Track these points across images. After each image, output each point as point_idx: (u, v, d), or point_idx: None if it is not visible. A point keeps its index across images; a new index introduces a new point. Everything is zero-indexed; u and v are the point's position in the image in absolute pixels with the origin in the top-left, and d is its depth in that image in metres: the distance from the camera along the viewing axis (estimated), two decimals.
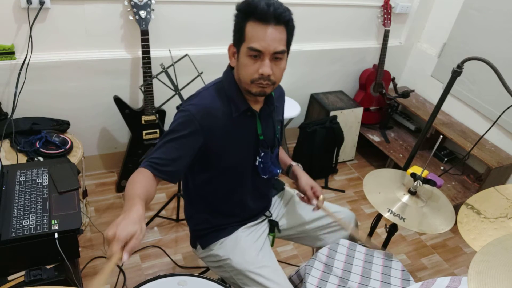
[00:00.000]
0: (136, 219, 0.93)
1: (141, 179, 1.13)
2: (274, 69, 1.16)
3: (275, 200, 1.62)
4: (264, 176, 1.39)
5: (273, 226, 1.52)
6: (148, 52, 2.07)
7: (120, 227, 0.88)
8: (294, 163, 1.56)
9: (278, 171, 1.43)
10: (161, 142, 1.22)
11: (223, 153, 1.29)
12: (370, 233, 2.01)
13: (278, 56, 1.16)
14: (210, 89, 1.28)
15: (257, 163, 1.37)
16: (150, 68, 2.11)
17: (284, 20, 1.14)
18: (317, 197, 1.46)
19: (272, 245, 1.51)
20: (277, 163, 1.45)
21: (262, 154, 1.36)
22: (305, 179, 1.49)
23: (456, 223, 1.40)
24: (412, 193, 1.54)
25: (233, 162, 1.32)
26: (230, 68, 1.29)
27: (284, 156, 1.59)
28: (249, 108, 1.28)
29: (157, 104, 2.21)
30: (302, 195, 1.50)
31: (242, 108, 1.26)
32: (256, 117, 1.31)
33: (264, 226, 1.51)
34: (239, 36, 1.17)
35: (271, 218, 1.55)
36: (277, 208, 1.60)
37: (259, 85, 1.18)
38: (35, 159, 1.80)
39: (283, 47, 1.16)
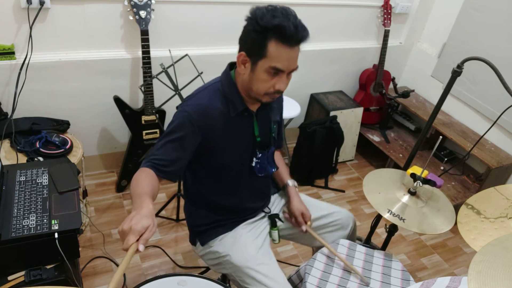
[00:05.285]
0: (148, 213, 0.98)
1: (145, 178, 1.16)
2: (286, 83, 1.22)
3: (275, 198, 1.63)
4: (260, 175, 1.42)
5: (274, 220, 1.53)
6: (148, 52, 2.07)
7: (134, 220, 0.93)
8: (290, 183, 1.57)
9: (273, 169, 1.47)
10: (161, 142, 1.24)
11: (220, 152, 1.30)
12: (370, 233, 2.01)
13: (292, 72, 1.21)
14: (208, 89, 1.29)
15: (253, 164, 1.39)
16: (150, 68, 2.10)
17: (304, 42, 1.17)
18: (306, 222, 1.50)
19: (279, 241, 1.53)
20: (273, 162, 1.48)
21: (260, 155, 1.38)
22: (296, 203, 1.52)
23: (456, 223, 1.40)
24: (412, 193, 1.53)
25: (229, 160, 1.34)
26: (228, 69, 1.30)
27: (283, 171, 1.61)
28: (247, 108, 1.30)
29: (157, 104, 2.21)
30: (289, 216, 1.54)
31: (240, 108, 1.28)
32: (253, 117, 1.33)
33: (264, 224, 1.52)
34: (257, 50, 1.15)
35: (270, 213, 1.56)
36: (276, 207, 1.61)
37: (271, 97, 1.23)
38: (35, 159, 1.80)
39: (297, 64, 1.21)
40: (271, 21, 1.10)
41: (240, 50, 1.21)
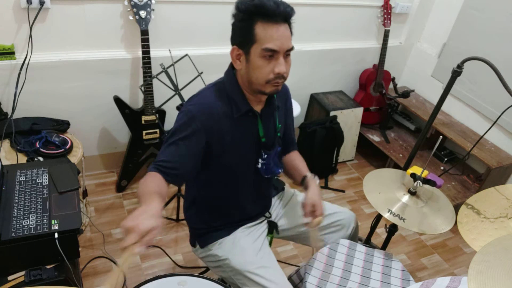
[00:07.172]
0: (156, 213, 0.95)
1: (153, 180, 1.15)
2: (286, 66, 1.19)
3: (275, 200, 1.62)
4: (266, 176, 1.40)
5: (272, 227, 1.52)
6: (148, 52, 2.07)
7: (141, 219, 0.90)
8: (309, 174, 1.46)
9: (280, 170, 1.44)
10: (166, 144, 1.23)
11: (223, 153, 1.28)
12: (370, 233, 2.01)
13: (289, 53, 1.19)
14: (211, 89, 1.28)
15: (259, 165, 1.37)
16: (150, 68, 2.11)
17: (290, 17, 1.16)
18: (314, 217, 1.35)
19: (270, 245, 1.51)
20: (278, 162, 1.44)
21: (265, 156, 1.36)
22: (310, 194, 1.38)
23: (456, 223, 1.40)
24: (412, 193, 1.54)
25: (233, 162, 1.32)
26: (231, 68, 1.28)
27: (301, 165, 1.51)
28: (251, 109, 1.28)
29: (157, 104, 2.21)
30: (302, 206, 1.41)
31: (244, 109, 1.26)
32: (257, 118, 1.31)
33: (263, 227, 1.51)
34: (246, 38, 1.15)
35: (270, 219, 1.55)
36: (277, 208, 1.60)
37: (274, 85, 1.20)
38: (35, 159, 1.80)
39: (292, 44, 1.18)
40: (251, 3, 1.11)
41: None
